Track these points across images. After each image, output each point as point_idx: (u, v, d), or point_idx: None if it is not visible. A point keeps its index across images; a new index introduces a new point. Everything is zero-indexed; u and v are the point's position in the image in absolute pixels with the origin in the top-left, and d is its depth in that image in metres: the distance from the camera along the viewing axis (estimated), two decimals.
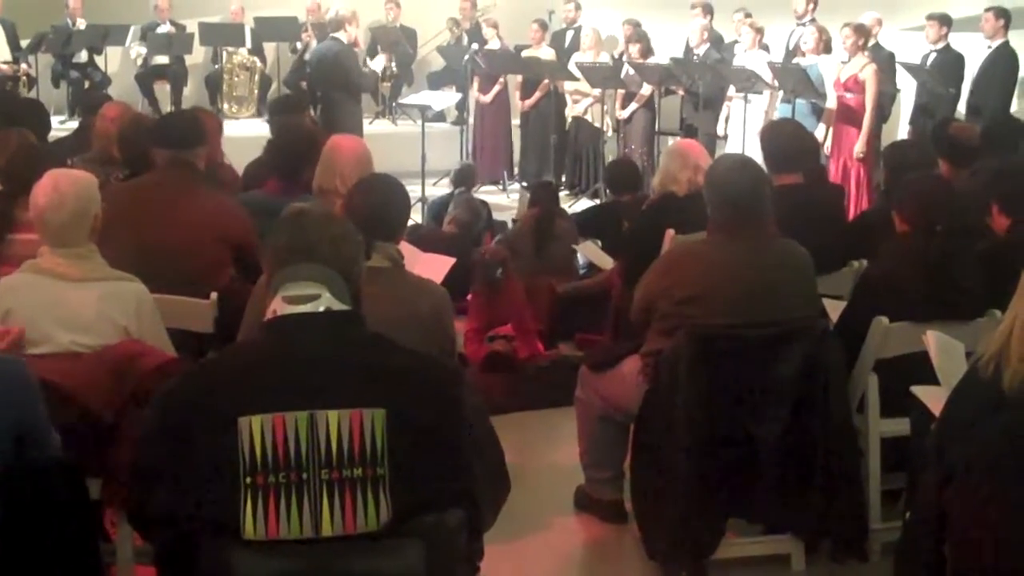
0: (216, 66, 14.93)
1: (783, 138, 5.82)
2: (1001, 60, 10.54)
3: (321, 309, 2.72)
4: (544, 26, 13.36)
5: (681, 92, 12.39)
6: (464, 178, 9.94)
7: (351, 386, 2.64)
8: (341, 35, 11.45)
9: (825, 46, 10.96)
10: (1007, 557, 3.22)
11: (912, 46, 11.69)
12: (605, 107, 12.67)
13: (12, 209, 4.72)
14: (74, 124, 10.59)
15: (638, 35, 12.58)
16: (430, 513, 2.65)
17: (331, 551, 2.59)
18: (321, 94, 11.47)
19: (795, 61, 11.16)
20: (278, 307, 2.74)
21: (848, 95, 10.43)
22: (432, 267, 4.55)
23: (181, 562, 2.68)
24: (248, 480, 2.56)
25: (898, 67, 11.47)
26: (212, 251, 4.80)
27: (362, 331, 2.78)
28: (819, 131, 10.39)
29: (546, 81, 12.90)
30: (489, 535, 3.06)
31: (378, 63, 14.15)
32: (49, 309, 3.86)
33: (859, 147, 10.30)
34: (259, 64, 14.97)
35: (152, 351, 3.88)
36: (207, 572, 2.62)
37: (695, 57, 12.37)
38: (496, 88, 13.37)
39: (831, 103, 10.57)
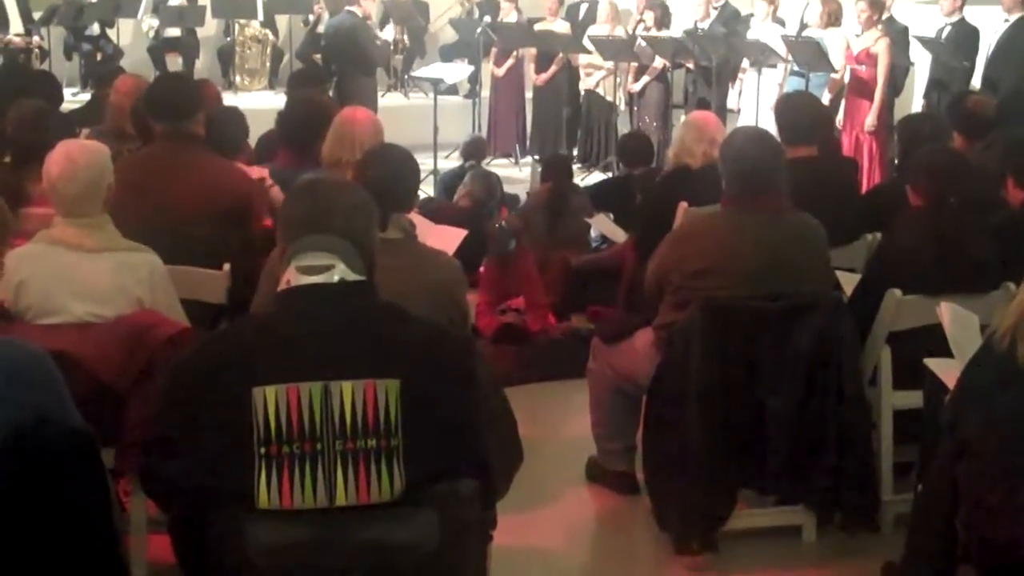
0: (228, 38, 14.91)
1: (798, 110, 5.79)
2: (1019, 34, 10.46)
3: (335, 279, 2.72)
4: None
5: (691, 65, 12.34)
6: (474, 151, 9.91)
7: (365, 357, 2.65)
8: (355, 8, 11.42)
9: (831, 19, 10.88)
10: (1019, 530, 3.22)
11: (927, 19, 11.61)
12: (618, 80, 12.63)
13: (24, 182, 4.72)
14: (86, 97, 10.60)
15: (653, 2, 12.49)
16: (443, 483, 2.66)
17: (344, 520, 2.60)
18: (335, 67, 11.44)
19: (804, 34, 11.11)
20: (292, 277, 2.74)
21: (861, 68, 10.38)
22: (444, 239, 4.55)
23: (195, 531, 2.69)
24: (262, 450, 2.57)
25: (912, 40, 11.40)
26: (215, 221, 4.74)
27: (376, 301, 2.78)
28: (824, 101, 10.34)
29: (561, 55, 12.85)
30: (501, 505, 3.07)
31: (388, 33, 14.10)
32: (63, 279, 3.87)
33: (870, 120, 10.26)
34: (271, 37, 14.94)
35: (166, 321, 3.88)
36: (221, 541, 2.64)
37: (700, 31, 12.31)
38: (510, 61, 13.33)
39: (837, 76, 10.53)
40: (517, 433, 2.95)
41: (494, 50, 13.34)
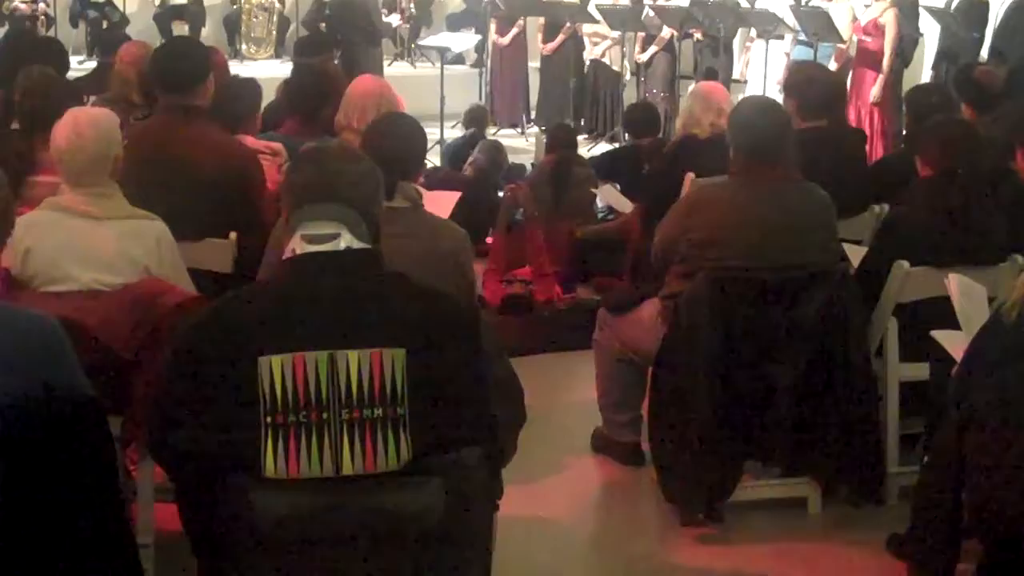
0: (234, 6, 14.88)
1: (816, 83, 5.76)
2: None
3: (341, 248, 2.72)
4: None
5: (699, 35, 12.29)
6: (475, 120, 9.89)
7: (371, 326, 2.65)
8: None
9: None
10: None
11: None
12: (624, 50, 12.58)
13: (32, 151, 4.70)
14: (92, 64, 10.58)
15: None
16: (450, 451, 2.66)
17: (351, 489, 2.61)
18: (341, 36, 11.41)
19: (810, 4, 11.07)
20: (297, 246, 2.74)
21: (868, 39, 10.34)
22: (438, 203, 4.53)
23: (202, 499, 2.70)
24: (268, 419, 2.58)
25: (921, 11, 11.36)
26: (214, 195, 4.69)
27: (381, 270, 2.78)
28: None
29: (568, 24, 12.80)
30: (507, 476, 3.07)
31: (394, 17, 14.07)
32: (70, 247, 3.86)
33: (876, 92, 10.24)
34: (277, 5, 14.92)
35: (173, 289, 3.88)
36: (228, 509, 2.64)
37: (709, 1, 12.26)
38: (514, 30, 13.28)
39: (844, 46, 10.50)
40: (523, 401, 2.95)
41: (495, 19, 13.29)
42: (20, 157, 4.63)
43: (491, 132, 11.61)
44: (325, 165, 2.83)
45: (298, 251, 2.74)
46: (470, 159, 8.84)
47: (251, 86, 5.76)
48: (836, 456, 4.41)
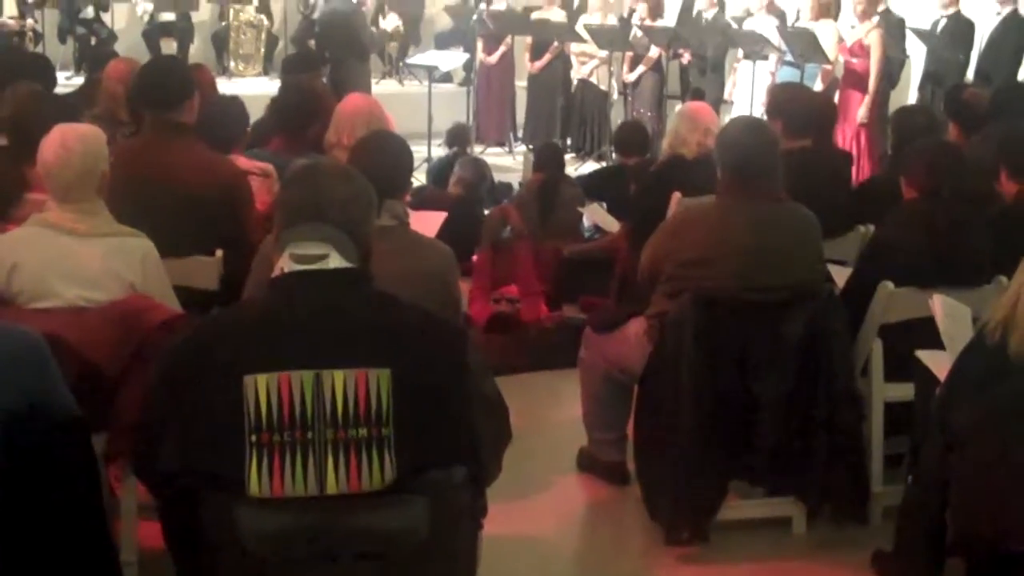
0: (223, 23, 14.86)
1: (799, 102, 5.80)
2: (1011, 28, 10.48)
3: (329, 267, 2.72)
4: None
5: (688, 56, 12.33)
6: (457, 138, 9.91)
7: (357, 346, 2.65)
8: None
9: (823, 11, 10.87)
10: (1010, 522, 3.23)
11: (923, 11, 11.62)
12: (612, 69, 12.61)
13: (23, 168, 4.69)
14: (80, 80, 10.55)
15: None
16: (434, 471, 2.66)
17: (335, 508, 2.60)
18: (329, 54, 11.42)
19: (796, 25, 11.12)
20: (286, 265, 2.74)
21: (854, 60, 10.38)
22: (424, 223, 4.53)
23: (185, 517, 2.69)
24: (253, 438, 2.57)
25: (908, 33, 11.41)
26: (200, 214, 4.68)
27: (369, 290, 2.78)
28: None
29: (556, 43, 12.83)
30: (492, 494, 3.07)
31: (390, 22, 14.06)
32: (56, 263, 3.85)
33: (862, 113, 10.28)
34: (266, 22, 14.91)
35: (158, 307, 3.87)
36: (211, 528, 2.64)
37: (705, 20, 12.30)
38: (502, 49, 13.31)
39: (829, 67, 10.55)
40: (508, 420, 2.95)
41: (481, 38, 13.31)
42: (10, 177, 4.62)
43: (477, 151, 11.62)
44: (317, 184, 2.83)
45: (286, 270, 2.74)
46: (453, 178, 8.85)
47: (237, 105, 5.76)
48: (821, 476, 4.41)
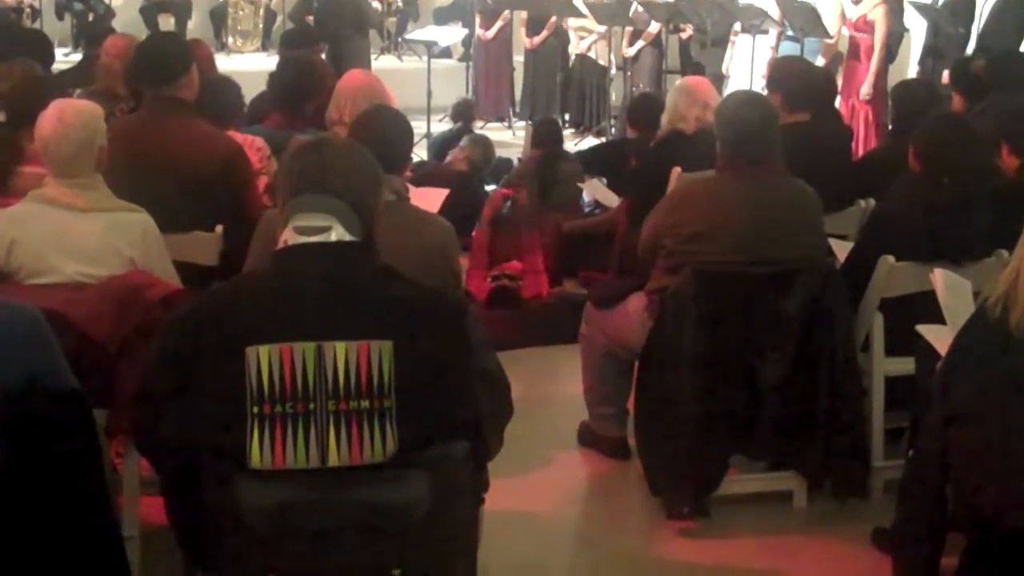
0: None
1: (798, 76, 5.78)
2: (1012, 2, 10.44)
3: (332, 240, 2.71)
4: None
5: (689, 31, 12.29)
6: (462, 113, 9.87)
7: (359, 318, 2.65)
8: None
9: None
10: (1010, 498, 3.23)
11: None
12: (611, 44, 12.58)
13: (19, 140, 4.68)
14: (78, 57, 10.53)
15: None
16: (436, 444, 2.66)
17: (337, 481, 2.61)
18: (328, 30, 11.38)
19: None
20: (289, 237, 2.74)
21: (859, 35, 10.35)
22: (426, 200, 4.53)
23: (187, 491, 2.70)
24: (255, 409, 2.58)
25: (908, 7, 11.37)
26: (199, 189, 4.67)
27: (371, 263, 2.78)
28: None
29: (553, 18, 12.79)
30: (493, 470, 3.07)
31: None
32: (55, 239, 3.85)
33: (865, 88, 10.25)
34: None
35: (158, 282, 3.87)
36: (213, 501, 2.64)
37: None
38: (499, 23, 13.27)
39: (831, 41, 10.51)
40: (509, 395, 2.95)
41: (479, 13, 13.28)
42: (7, 148, 4.62)
43: (478, 126, 11.60)
44: (322, 157, 2.82)
45: (289, 242, 2.74)
46: (459, 153, 8.82)
47: (231, 85, 5.74)
48: (822, 450, 4.42)
